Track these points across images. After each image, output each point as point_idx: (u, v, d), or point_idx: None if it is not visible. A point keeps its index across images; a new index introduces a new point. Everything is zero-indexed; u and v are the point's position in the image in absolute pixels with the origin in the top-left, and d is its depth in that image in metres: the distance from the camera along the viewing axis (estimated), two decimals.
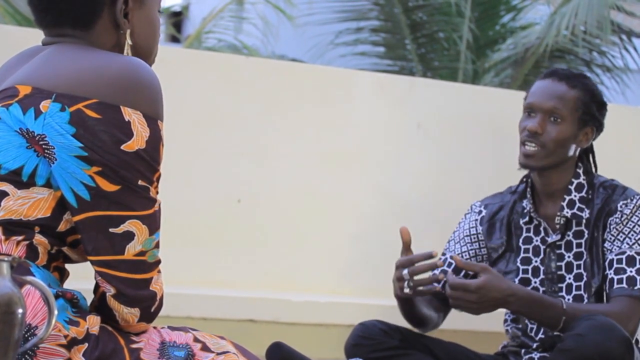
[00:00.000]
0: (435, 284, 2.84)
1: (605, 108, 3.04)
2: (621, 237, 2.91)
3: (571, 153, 2.99)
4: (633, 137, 4.84)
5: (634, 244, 2.90)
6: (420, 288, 2.82)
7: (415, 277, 2.82)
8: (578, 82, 2.99)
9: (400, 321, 3.07)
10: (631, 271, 2.87)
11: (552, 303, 2.82)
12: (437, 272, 2.87)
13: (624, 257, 2.89)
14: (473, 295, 2.78)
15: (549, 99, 2.96)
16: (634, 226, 2.91)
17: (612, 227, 2.93)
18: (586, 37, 7.47)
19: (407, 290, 2.84)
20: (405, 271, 2.83)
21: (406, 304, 2.94)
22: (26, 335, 1.68)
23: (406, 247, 2.88)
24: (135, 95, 1.75)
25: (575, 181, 3.00)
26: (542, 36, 7.25)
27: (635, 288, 2.85)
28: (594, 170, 3.08)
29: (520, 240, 3.05)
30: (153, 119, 1.77)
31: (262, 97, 4.36)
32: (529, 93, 3.03)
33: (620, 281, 2.87)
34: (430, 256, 2.83)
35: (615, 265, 2.89)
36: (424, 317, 2.99)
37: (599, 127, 3.02)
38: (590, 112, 2.98)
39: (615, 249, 2.91)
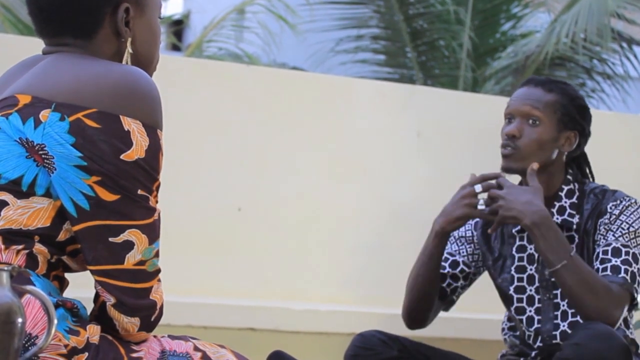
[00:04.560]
0: None
1: (588, 112, 3.04)
2: (610, 234, 2.93)
3: (554, 157, 2.99)
4: (633, 145, 4.84)
5: (619, 237, 2.91)
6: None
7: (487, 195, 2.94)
8: (555, 86, 3.01)
9: (400, 331, 3.08)
10: (616, 261, 2.88)
11: (565, 241, 2.85)
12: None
13: (609, 248, 2.91)
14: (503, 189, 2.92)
15: (525, 103, 2.99)
16: (621, 223, 2.93)
17: (601, 227, 2.95)
18: (586, 45, 7.48)
19: (482, 207, 2.94)
20: (478, 186, 2.95)
21: (433, 258, 3.00)
22: (26, 345, 1.68)
23: (486, 177, 2.99)
24: (134, 105, 1.75)
25: (566, 187, 3.01)
26: (542, 44, 7.26)
27: (619, 276, 2.86)
28: (590, 179, 3.08)
29: (514, 249, 3.05)
30: (152, 128, 1.77)
31: (263, 106, 4.36)
32: (508, 103, 3.06)
33: (604, 269, 2.88)
34: (499, 176, 2.96)
35: (601, 256, 2.91)
36: (435, 284, 3.03)
37: (582, 132, 3.02)
38: (570, 114, 2.98)
39: (602, 243, 2.93)
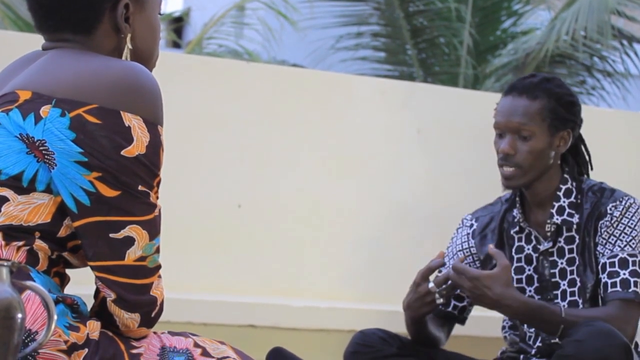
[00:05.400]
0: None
1: (576, 105, 2.98)
2: (612, 239, 2.91)
3: (552, 160, 2.97)
4: (634, 142, 4.84)
5: (625, 246, 2.89)
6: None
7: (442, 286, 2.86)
8: (539, 90, 2.93)
9: (400, 327, 3.07)
10: (624, 274, 2.87)
11: (551, 311, 2.82)
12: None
13: (616, 260, 2.89)
14: (467, 283, 2.79)
15: (512, 118, 2.92)
16: (624, 228, 2.91)
17: (602, 230, 2.92)
18: (587, 42, 7.48)
19: (440, 301, 2.87)
20: (431, 284, 2.86)
21: (419, 325, 2.96)
22: (26, 341, 1.68)
23: (432, 268, 2.89)
24: (135, 100, 1.75)
25: (564, 187, 2.98)
26: (542, 41, 7.27)
27: (629, 290, 2.85)
28: (589, 168, 3.05)
29: (513, 250, 3.04)
30: (153, 124, 1.77)
31: (263, 103, 4.36)
32: (495, 112, 3.00)
33: (614, 284, 2.87)
34: (442, 263, 2.88)
35: (608, 269, 2.89)
36: (434, 336, 3.01)
37: (574, 127, 2.98)
38: (560, 116, 2.94)
39: (607, 252, 2.91)
